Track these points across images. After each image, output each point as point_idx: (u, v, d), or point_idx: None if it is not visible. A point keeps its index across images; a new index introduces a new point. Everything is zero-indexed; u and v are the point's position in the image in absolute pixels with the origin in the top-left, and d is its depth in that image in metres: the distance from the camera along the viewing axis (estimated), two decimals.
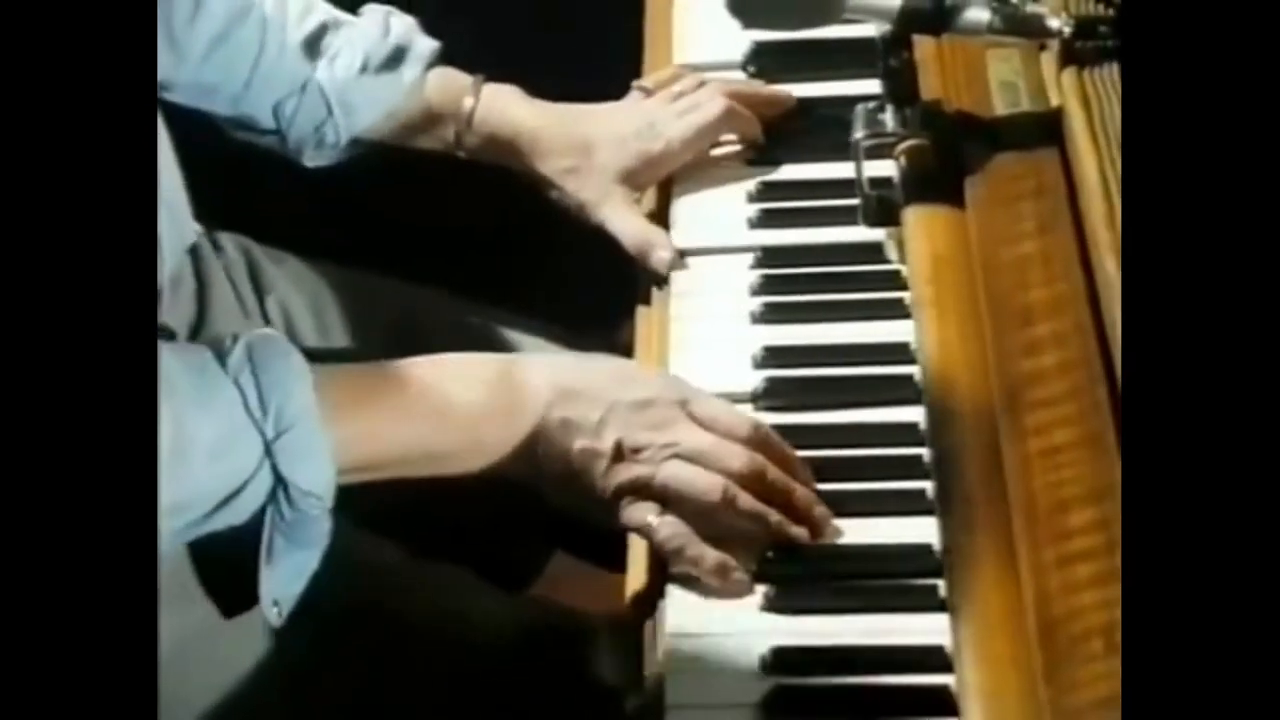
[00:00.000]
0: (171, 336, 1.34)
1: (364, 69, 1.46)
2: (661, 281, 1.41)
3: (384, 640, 1.28)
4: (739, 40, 1.53)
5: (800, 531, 1.17)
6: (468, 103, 1.47)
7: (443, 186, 1.72)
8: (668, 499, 1.16)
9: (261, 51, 1.45)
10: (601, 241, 1.45)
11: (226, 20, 1.44)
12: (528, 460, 1.16)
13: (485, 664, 1.30)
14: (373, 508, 1.18)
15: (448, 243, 1.93)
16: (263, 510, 1.10)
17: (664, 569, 1.17)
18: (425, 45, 1.48)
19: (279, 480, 1.09)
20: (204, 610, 1.25)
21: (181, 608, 1.21)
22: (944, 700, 1.08)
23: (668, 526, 1.15)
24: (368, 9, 1.50)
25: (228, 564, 1.15)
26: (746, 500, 1.16)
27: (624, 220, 1.44)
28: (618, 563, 1.23)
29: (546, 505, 1.20)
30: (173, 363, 1.07)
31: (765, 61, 1.53)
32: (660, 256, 1.41)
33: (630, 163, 1.45)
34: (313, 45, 1.46)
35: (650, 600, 1.18)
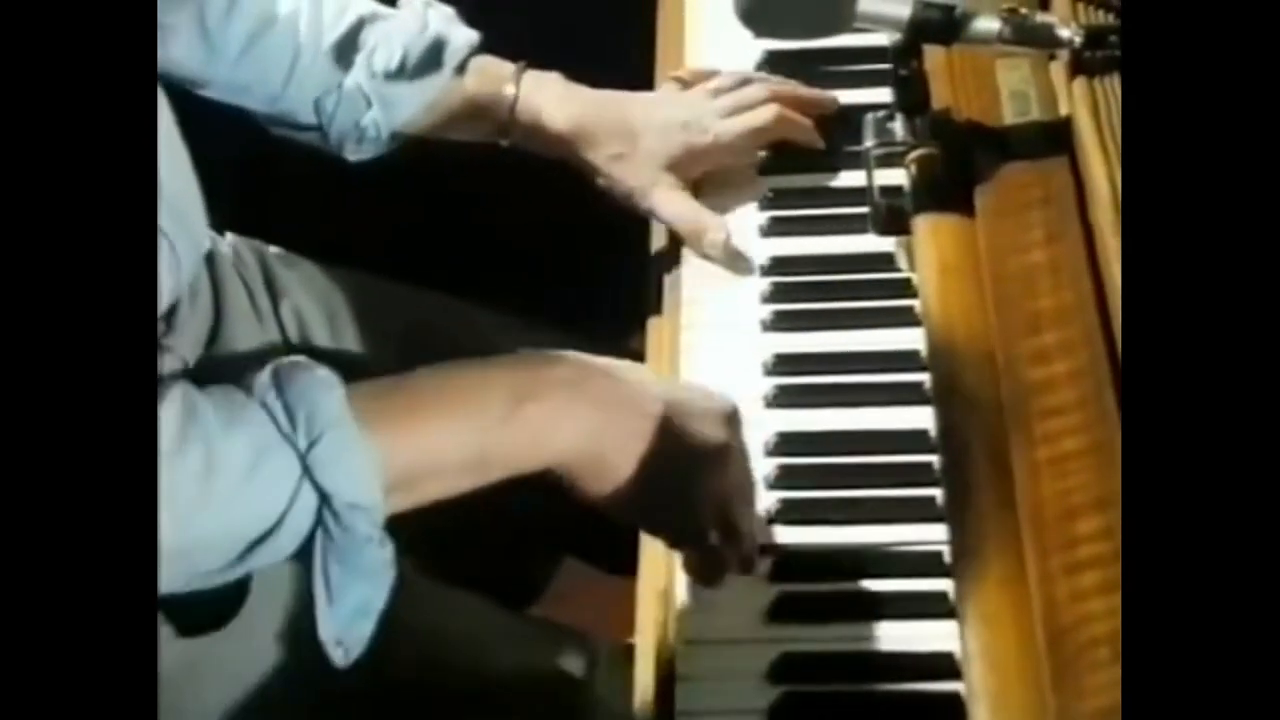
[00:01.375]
0: (185, 367, 1.33)
1: (403, 63, 1.43)
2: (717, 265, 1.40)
3: (398, 663, 1.28)
4: (751, 47, 1.53)
5: None
6: (509, 91, 1.44)
7: (457, 193, 1.73)
8: None
9: (299, 52, 1.42)
10: (613, 248, 1.45)
11: (261, 20, 1.42)
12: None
13: (498, 686, 1.30)
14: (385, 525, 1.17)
15: (461, 249, 1.94)
16: (310, 541, 1.05)
17: (674, 574, 1.18)
18: (464, 36, 1.45)
19: (322, 496, 1.04)
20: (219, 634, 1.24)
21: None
22: (953, 707, 1.08)
23: None
24: (405, 1, 1.47)
25: None
26: None
27: (675, 204, 1.42)
28: (628, 568, 1.24)
29: (554, 514, 1.18)
30: (196, 396, 1.04)
31: (776, 70, 1.53)
32: (714, 239, 1.40)
33: (676, 152, 1.43)
34: (350, 42, 1.43)
35: (662, 605, 1.18)
